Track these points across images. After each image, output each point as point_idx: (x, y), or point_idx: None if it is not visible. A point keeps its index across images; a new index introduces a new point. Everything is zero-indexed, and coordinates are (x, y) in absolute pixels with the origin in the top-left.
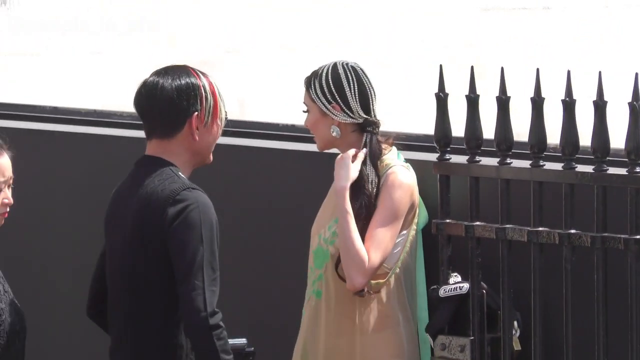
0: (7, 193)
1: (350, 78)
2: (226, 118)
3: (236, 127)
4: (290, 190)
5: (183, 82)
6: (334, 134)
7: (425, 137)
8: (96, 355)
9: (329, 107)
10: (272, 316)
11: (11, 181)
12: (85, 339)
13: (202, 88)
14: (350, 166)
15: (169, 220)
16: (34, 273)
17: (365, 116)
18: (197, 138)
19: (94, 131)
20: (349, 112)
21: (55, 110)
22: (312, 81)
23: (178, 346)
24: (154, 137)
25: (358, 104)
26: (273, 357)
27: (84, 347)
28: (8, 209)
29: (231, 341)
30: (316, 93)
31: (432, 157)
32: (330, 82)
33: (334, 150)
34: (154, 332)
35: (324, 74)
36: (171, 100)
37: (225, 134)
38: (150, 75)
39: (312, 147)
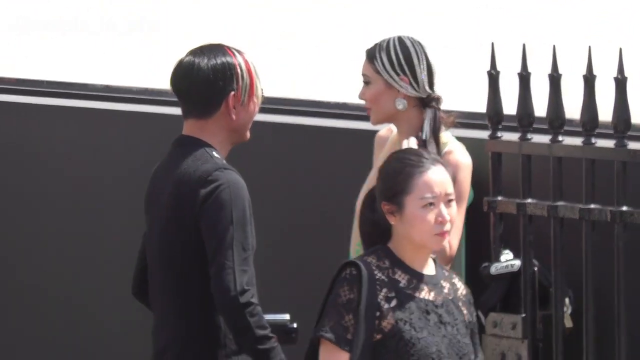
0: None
1: (418, 52)
2: (262, 95)
3: (287, 105)
4: (339, 167)
5: (219, 61)
6: (400, 106)
7: (477, 115)
8: (145, 334)
9: (397, 79)
10: (315, 293)
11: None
12: (133, 318)
13: (238, 67)
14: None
15: (200, 201)
16: (83, 251)
17: (429, 91)
18: (234, 117)
19: (142, 109)
20: (415, 86)
21: (106, 88)
22: (377, 52)
23: (216, 327)
24: (190, 116)
25: (425, 78)
26: None
27: (133, 326)
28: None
29: (274, 316)
30: (383, 65)
31: (484, 134)
32: (400, 54)
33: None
34: (193, 312)
35: (392, 46)
36: (207, 80)
37: (273, 111)
38: (186, 55)
39: (358, 125)
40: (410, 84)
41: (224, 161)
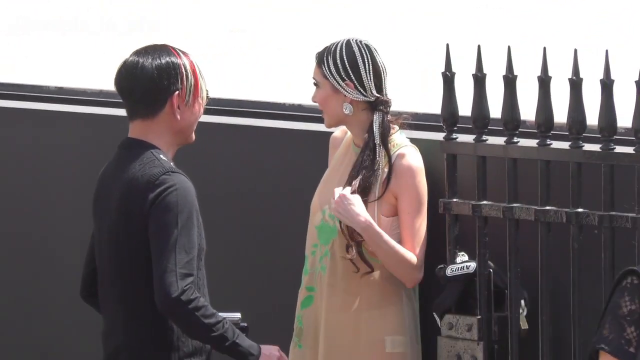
0: None
1: (365, 56)
2: (207, 97)
3: (245, 107)
4: (291, 168)
5: (163, 61)
6: (347, 111)
7: (432, 117)
8: (94, 337)
9: (342, 84)
10: (270, 293)
11: None
12: (82, 321)
13: (182, 67)
14: (354, 201)
15: (148, 205)
16: (34, 254)
17: (377, 95)
18: (178, 117)
19: (91, 111)
20: (362, 90)
21: (59, 90)
22: (324, 57)
23: (169, 329)
24: (135, 117)
25: (372, 83)
26: (270, 333)
27: (83, 329)
28: None
29: (225, 315)
30: (329, 70)
31: (439, 136)
32: (345, 59)
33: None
34: (144, 316)
35: (337, 51)
36: (152, 79)
37: (228, 113)
38: (130, 55)
39: (313, 127)
40: (356, 88)
41: (172, 164)
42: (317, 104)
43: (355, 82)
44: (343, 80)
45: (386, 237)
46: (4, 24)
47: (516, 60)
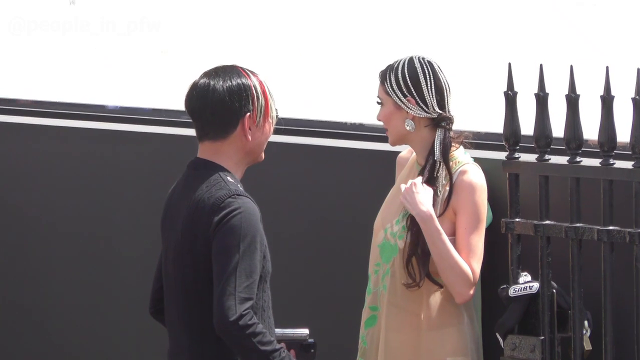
0: None
1: (426, 72)
2: (277, 116)
3: (304, 126)
4: (356, 188)
5: (234, 82)
6: (408, 127)
7: (494, 136)
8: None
9: (404, 100)
10: (334, 311)
11: None
12: (151, 338)
13: (253, 88)
14: (421, 191)
15: (212, 227)
16: (100, 270)
17: (439, 111)
18: (249, 138)
19: (159, 130)
20: (424, 107)
21: (122, 109)
22: (387, 74)
23: (232, 353)
24: (206, 139)
25: (434, 99)
26: (336, 350)
27: (149, 346)
28: None
29: (293, 331)
30: (391, 86)
31: (501, 155)
32: (407, 75)
33: (397, 148)
34: (207, 336)
35: (399, 67)
36: (223, 101)
37: (289, 132)
38: (200, 77)
39: (375, 146)
40: (418, 104)
41: (239, 185)
42: (380, 123)
43: (417, 98)
44: (405, 96)
45: (445, 237)
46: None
47: (579, 79)
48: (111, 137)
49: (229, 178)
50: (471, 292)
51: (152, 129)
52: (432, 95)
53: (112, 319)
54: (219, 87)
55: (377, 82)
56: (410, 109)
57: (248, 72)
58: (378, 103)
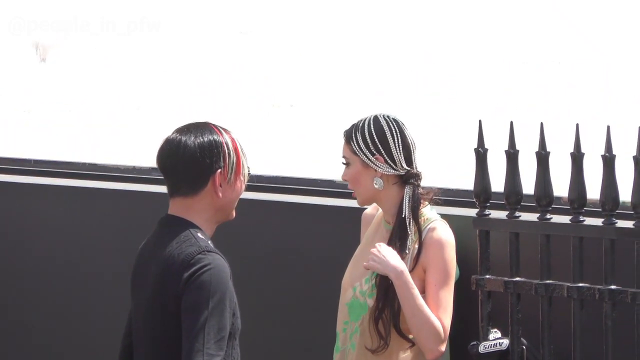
0: None
1: (393, 129)
2: (249, 174)
3: (268, 183)
4: (323, 244)
5: (206, 139)
6: (377, 185)
7: (464, 192)
8: None
9: (372, 158)
10: None
11: None
12: None
13: (224, 145)
14: (388, 250)
15: (182, 284)
16: (71, 329)
17: (407, 168)
18: (220, 195)
19: (127, 187)
20: (392, 164)
21: (92, 166)
22: (353, 133)
23: None
24: (176, 195)
25: (401, 156)
26: None
27: None
28: None
29: None
30: (359, 145)
31: (470, 212)
32: (374, 133)
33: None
34: None
35: (366, 126)
36: (194, 157)
37: (259, 189)
38: (172, 133)
39: (343, 203)
40: (386, 162)
41: (209, 242)
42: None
43: (385, 156)
44: (373, 154)
45: (417, 292)
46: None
47: (549, 136)
48: (82, 194)
49: (199, 234)
50: (442, 348)
51: (127, 186)
52: (400, 152)
53: None
54: (190, 142)
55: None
56: (379, 167)
57: (220, 129)
58: (344, 163)
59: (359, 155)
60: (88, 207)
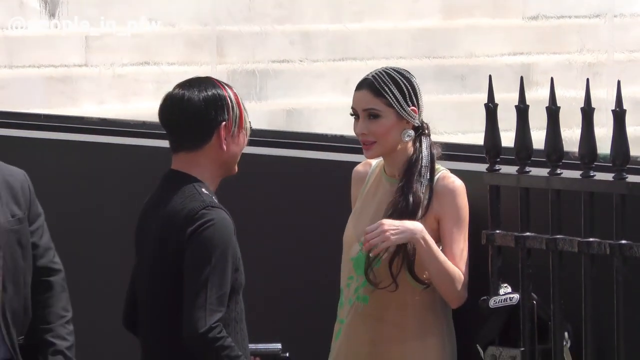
0: None
1: (415, 81)
2: (251, 128)
3: (283, 138)
4: (329, 200)
5: (210, 93)
6: (407, 138)
7: (474, 147)
8: None
9: (409, 110)
10: (306, 325)
11: None
12: (125, 349)
13: (228, 98)
14: (392, 222)
15: (185, 238)
16: (76, 284)
17: (423, 120)
18: (225, 148)
19: (133, 142)
20: (420, 116)
21: (103, 122)
22: (383, 86)
23: None
24: (181, 150)
25: (423, 107)
26: None
27: (126, 357)
28: None
29: (265, 346)
30: (395, 97)
31: (481, 167)
32: (408, 85)
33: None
34: (179, 350)
35: (397, 79)
36: (199, 111)
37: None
38: (174, 88)
39: (346, 157)
40: (419, 114)
41: (213, 197)
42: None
43: (417, 107)
44: (409, 106)
45: (438, 249)
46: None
47: (559, 91)
48: (91, 149)
49: (203, 190)
50: (466, 294)
51: (133, 141)
52: (422, 103)
53: (89, 327)
54: (195, 97)
55: (361, 95)
56: (413, 119)
57: (223, 83)
58: (373, 116)
59: (394, 107)
60: (98, 161)
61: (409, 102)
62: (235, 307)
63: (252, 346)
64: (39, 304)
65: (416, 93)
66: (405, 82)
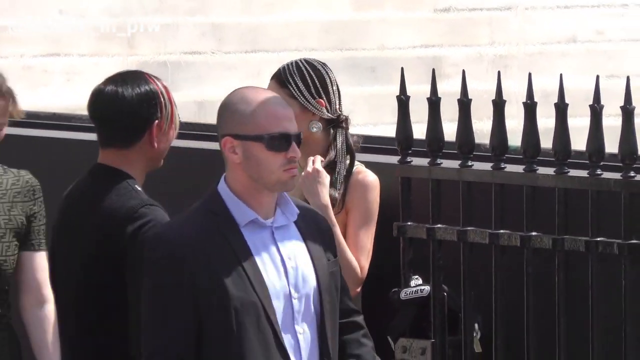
0: None
1: (329, 74)
2: (180, 122)
3: (194, 130)
4: None
5: (143, 90)
6: (315, 129)
7: (385, 140)
8: None
9: (313, 102)
10: None
11: None
12: None
13: (160, 95)
14: (326, 181)
15: (127, 238)
16: None
17: (339, 112)
18: (156, 145)
19: (51, 134)
20: (329, 108)
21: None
22: (289, 77)
23: None
24: (110, 146)
25: (337, 100)
26: None
27: None
28: None
29: None
30: (298, 88)
31: (393, 159)
32: (314, 77)
33: None
34: (112, 351)
35: (303, 70)
36: (133, 109)
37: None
38: (106, 84)
39: None
40: (326, 106)
41: (145, 195)
42: None
43: (325, 100)
44: (314, 98)
45: (338, 230)
46: None
47: (470, 83)
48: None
49: (137, 187)
50: (358, 289)
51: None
52: (336, 96)
53: None
54: (128, 94)
55: (270, 85)
56: (319, 111)
57: (154, 77)
58: None
59: (297, 99)
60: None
61: (315, 95)
62: None
63: None
64: None
65: (325, 85)
66: (312, 73)
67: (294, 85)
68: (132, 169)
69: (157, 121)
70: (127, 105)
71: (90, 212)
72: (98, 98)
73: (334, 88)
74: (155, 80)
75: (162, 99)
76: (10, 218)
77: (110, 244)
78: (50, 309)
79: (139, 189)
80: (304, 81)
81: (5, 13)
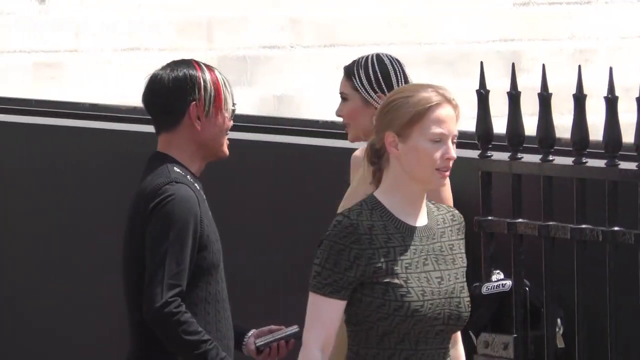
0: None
1: (396, 69)
2: (234, 110)
3: (274, 124)
4: (309, 185)
5: (181, 73)
6: None
7: (465, 135)
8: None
9: (374, 96)
10: (301, 307)
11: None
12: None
13: (200, 78)
14: None
15: (149, 214)
16: (62, 269)
17: None
18: (198, 128)
19: (129, 128)
20: None
21: (93, 107)
22: (355, 70)
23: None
24: (160, 131)
25: None
26: None
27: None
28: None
29: (284, 331)
30: (361, 82)
31: (472, 154)
32: (378, 71)
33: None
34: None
35: (369, 64)
36: (167, 90)
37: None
38: (156, 70)
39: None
40: None
41: (188, 177)
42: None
43: (387, 94)
44: (375, 92)
45: None
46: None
47: (550, 77)
48: (83, 135)
49: (175, 168)
50: None
51: (124, 127)
52: None
53: (76, 313)
54: (165, 77)
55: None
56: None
57: (202, 65)
58: (343, 99)
59: (360, 92)
60: (89, 147)
61: (376, 89)
62: (206, 287)
63: (270, 337)
64: None
65: (389, 80)
66: (377, 67)
67: (357, 79)
68: (180, 153)
69: (194, 102)
70: (164, 88)
71: (134, 196)
72: (145, 85)
73: (400, 84)
74: (202, 67)
75: (201, 82)
76: None
77: (137, 223)
78: None
79: (177, 169)
80: (367, 75)
81: (86, 8)
